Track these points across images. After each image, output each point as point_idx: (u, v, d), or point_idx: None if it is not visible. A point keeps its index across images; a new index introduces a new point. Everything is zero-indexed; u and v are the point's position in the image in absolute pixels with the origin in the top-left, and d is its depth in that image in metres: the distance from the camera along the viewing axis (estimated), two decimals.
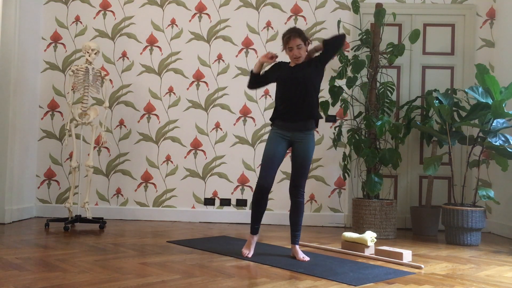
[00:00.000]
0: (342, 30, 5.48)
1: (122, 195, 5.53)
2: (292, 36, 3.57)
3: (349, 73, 5.22)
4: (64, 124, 5.44)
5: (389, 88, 5.06)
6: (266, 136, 5.46)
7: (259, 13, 5.59)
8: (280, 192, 5.39)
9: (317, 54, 3.71)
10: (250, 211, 3.75)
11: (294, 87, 3.58)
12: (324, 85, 5.48)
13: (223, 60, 5.58)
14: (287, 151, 3.72)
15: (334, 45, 3.62)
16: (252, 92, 5.52)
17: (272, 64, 3.79)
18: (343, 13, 5.54)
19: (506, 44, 5.25)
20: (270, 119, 3.75)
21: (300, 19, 5.58)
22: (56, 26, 5.62)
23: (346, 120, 5.44)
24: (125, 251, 3.76)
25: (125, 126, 5.57)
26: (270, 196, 5.43)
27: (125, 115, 5.57)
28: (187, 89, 5.58)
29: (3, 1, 4.94)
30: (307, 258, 3.57)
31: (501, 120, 4.61)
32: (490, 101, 4.58)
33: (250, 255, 3.63)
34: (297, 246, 3.64)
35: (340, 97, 5.07)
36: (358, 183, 5.41)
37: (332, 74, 5.44)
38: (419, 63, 5.55)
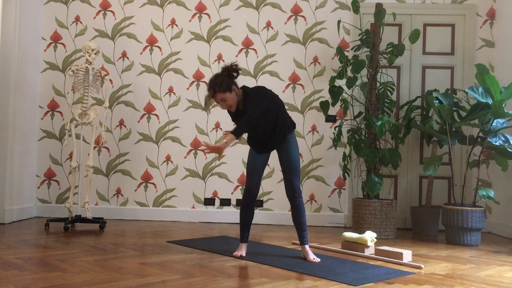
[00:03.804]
0: (342, 30, 5.50)
1: (122, 195, 5.53)
2: (211, 95, 3.53)
3: (349, 73, 5.23)
4: (64, 124, 5.44)
5: (389, 88, 5.06)
6: None
7: (259, 13, 5.59)
8: (280, 192, 5.38)
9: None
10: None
11: (254, 129, 3.61)
12: (324, 85, 5.50)
13: (223, 60, 5.58)
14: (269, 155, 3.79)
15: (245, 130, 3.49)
16: None
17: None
18: (343, 13, 5.54)
19: (506, 44, 5.25)
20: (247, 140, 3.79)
21: (300, 19, 5.58)
22: (56, 26, 5.62)
23: (346, 120, 5.44)
24: (125, 251, 3.76)
25: (125, 126, 5.57)
26: (270, 196, 5.46)
27: (125, 115, 5.57)
28: (187, 89, 5.58)
29: (3, 1, 4.94)
30: (317, 259, 3.56)
31: (501, 120, 4.61)
32: (490, 101, 4.58)
33: (243, 254, 3.66)
34: (307, 247, 3.63)
35: (340, 97, 5.07)
36: (358, 183, 5.41)
37: (332, 74, 5.44)
38: (419, 63, 5.55)
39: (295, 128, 3.74)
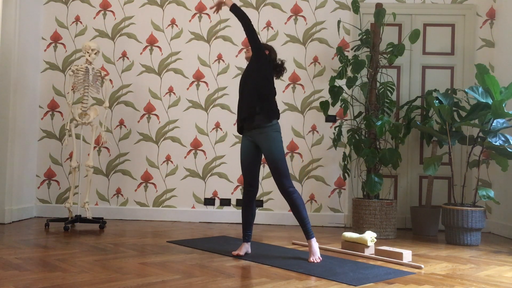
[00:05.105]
0: (342, 30, 5.50)
1: (122, 195, 5.53)
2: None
3: (349, 73, 5.23)
4: (64, 124, 5.45)
5: (389, 88, 5.06)
6: None
7: (259, 13, 5.59)
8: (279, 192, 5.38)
9: None
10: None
11: (241, 85, 3.75)
12: (324, 85, 5.50)
13: (223, 60, 5.58)
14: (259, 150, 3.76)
15: (237, 15, 3.68)
16: None
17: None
18: (343, 13, 5.54)
19: (506, 44, 5.25)
20: None
21: (300, 19, 5.58)
22: (56, 26, 5.62)
23: (346, 120, 5.44)
24: (125, 251, 3.76)
25: (125, 126, 5.57)
26: (270, 196, 5.46)
27: (125, 115, 5.57)
28: (187, 89, 5.59)
29: (3, 1, 4.94)
30: (317, 260, 3.53)
31: (501, 120, 4.61)
32: (490, 101, 4.58)
33: (241, 253, 3.67)
34: (311, 241, 3.58)
35: (340, 97, 5.07)
36: (358, 183, 5.41)
37: (332, 74, 5.45)
38: (419, 63, 5.55)
39: (273, 118, 3.62)
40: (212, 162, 5.54)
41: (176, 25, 5.61)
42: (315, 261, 3.51)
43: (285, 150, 5.46)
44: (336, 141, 5.16)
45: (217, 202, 5.51)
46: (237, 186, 5.51)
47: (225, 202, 5.50)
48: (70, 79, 4.89)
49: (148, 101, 5.58)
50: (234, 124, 5.52)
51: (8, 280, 2.82)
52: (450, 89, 5.19)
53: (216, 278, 3.01)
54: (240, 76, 3.89)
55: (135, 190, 5.53)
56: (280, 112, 5.38)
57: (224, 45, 5.58)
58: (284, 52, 5.54)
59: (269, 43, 5.55)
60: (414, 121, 5.07)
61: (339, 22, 5.14)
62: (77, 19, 5.62)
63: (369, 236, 3.89)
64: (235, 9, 3.67)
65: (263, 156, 3.76)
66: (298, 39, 5.57)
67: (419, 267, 3.46)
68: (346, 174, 5.18)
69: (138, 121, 5.57)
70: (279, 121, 3.73)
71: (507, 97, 4.53)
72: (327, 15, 5.57)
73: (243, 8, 5.55)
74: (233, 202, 5.50)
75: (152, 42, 5.61)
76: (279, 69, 3.80)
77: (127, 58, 5.60)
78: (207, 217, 5.49)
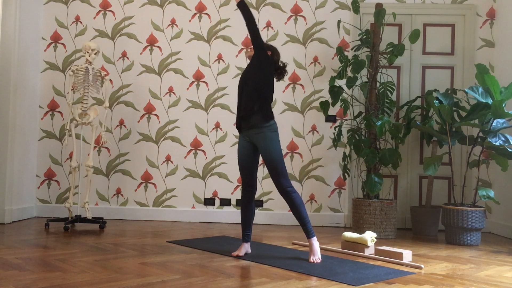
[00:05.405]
0: (342, 30, 5.50)
1: (122, 195, 5.53)
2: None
3: (349, 73, 5.23)
4: (64, 124, 5.45)
5: (389, 88, 5.06)
6: None
7: (259, 13, 5.59)
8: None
9: None
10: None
11: (241, 84, 3.73)
12: (324, 85, 5.50)
13: (223, 60, 5.58)
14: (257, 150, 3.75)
15: (243, 12, 3.64)
16: None
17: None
18: (343, 13, 5.54)
19: (506, 44, 5.25)
20: None
21: (300, 19, 5.58)
22: (56, 26, 5.62)
23: (346, 120, 5.44)
24: (125, 251, 3.76)
25: (125, 126, 5.57)
26: (270, 196, 5.46)
27: (125, 115, 5.57)
28: (187, 89, 5.59)
29: (3, 1, 4.94)
30: (317, 260, 3.52)
31: (501, 120, 4.61)
32: (490, 101, 4.58)
33: (241, 254, 3.67)
34: (311, 241, 3.58)
35: (340, 97, 5.08)
36: (358, 183, 5.41)
37: (332, 74, 5.45)
38: (419, 63, 5.55)
39: (270, 118, 3.61)
40: (212, 162, 5.54)
41: (176, 25, 5.61)
42: (315, 261, 3.51)
43: (285, 150, 5.46)
44: (336, 141, 5.16)
45: (217, 202, 5.51)
46: (237, 186, 5.51)
47: (225, 202, 5.50)
48: (70, 79, 4.89)
49: (148, 101, 5.58)
50: (234, 124, 5.51)
51: (8, 280, 2.83)
52: (450, 89, 5.19)
53: (216, 278, 3.01)
54: (240, 76, 3.87)
55: (135, 190, 5.53)
56: (279, 113, 5.44)
57: (224, 45, 5.58)
58: (284, 52, 5.53)
59: (270, 42, 5.56)
60: (414, 121, 5.07)
61: (339, 22, 5.14)
62: (77, 19, 5.62)
63: (369, 236, 3.89)
64: (242, 5, 3.64)
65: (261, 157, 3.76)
66: (298, 39, 5.57)
67: (419, 267, 3.46)
68: (346, 174, 5.18)
69: (138, 121, 5.57)
70: (277, 121, 3.73)
71: (507, 97, 4.53)
72: (327, 15, 5.57)
73: None
74: (233, 202, 5.50)
75: (152, 42, 5.61)
76: (280, 71, 3.79)
77: (127, 58, 5.60)
78: (207, 217, 5.49)
